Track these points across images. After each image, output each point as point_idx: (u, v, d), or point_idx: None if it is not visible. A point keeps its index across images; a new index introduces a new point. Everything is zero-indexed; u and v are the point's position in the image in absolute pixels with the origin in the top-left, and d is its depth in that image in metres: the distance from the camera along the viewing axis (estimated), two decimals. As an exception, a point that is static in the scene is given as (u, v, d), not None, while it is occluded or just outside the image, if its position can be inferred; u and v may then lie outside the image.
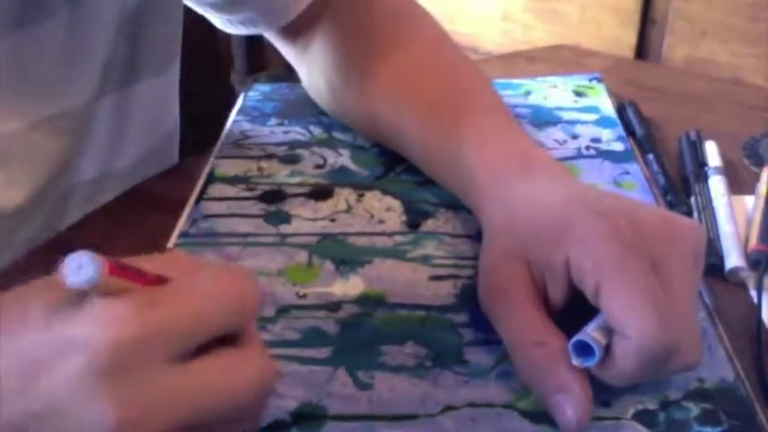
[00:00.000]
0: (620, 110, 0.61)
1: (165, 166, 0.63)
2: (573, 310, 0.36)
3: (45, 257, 0.41)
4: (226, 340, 0.29)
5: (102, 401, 0.26)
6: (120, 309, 0.26)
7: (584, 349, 0.33)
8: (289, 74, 0.65)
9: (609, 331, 0.33)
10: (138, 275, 0.28)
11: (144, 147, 0.61)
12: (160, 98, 0.61)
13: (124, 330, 0.26)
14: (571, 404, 0.33)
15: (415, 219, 0.48)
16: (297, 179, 0.52)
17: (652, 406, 0.35)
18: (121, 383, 0.26)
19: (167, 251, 0.35)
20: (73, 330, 0.26)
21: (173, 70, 0.62)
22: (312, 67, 0.58)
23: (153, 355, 0.27)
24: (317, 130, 0.58)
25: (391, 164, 0.53)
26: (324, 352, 0.38)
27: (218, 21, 0.60)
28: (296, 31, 0.57)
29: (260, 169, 0.53)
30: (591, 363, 0.33)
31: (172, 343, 0.27)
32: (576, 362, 0.34)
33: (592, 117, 0.59)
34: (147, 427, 0.26)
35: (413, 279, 0.43)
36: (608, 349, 0.33)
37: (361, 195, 0.50)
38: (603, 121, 0.58)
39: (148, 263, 0.29)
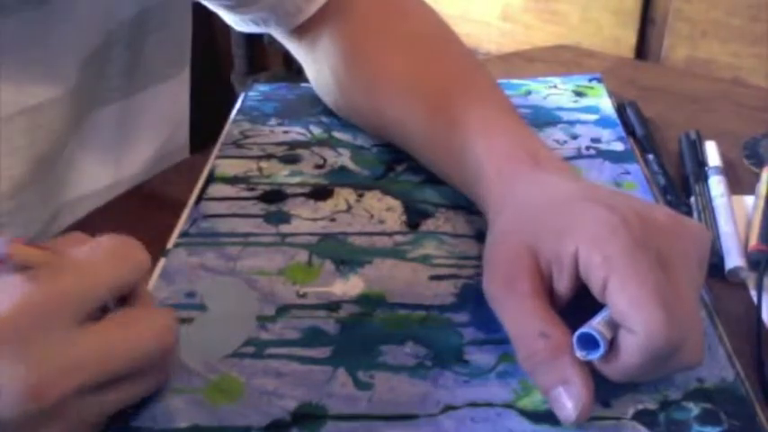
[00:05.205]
0: (620, 110, 0.61)
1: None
2: (575, 307, 0.36)
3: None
4: (123, 303, 0.33)
5: (10, 366, 0.28)
6: (21, 280, 0.30)
7: (588, 342, 0.33)
8: (289, 74, 0.65)
9: (614, 326, 0.33)
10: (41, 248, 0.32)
11: (155, 153, 0.61)
12: (169, 104, 0.61)
13: (25, 299, 0.29)
14: (571, 396, 0.33)
15: (415, 219, 0.48)
16: (297, 179, 0.52)
17: (652, 406, 0.35)
18: (28, 349, 0.29)
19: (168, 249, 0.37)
20: None
21: (181, 76, 0.62)
22: (320, 63, 0.58)
23: (54, 321, 0.30)
24: (317, 130, 0.58)
25: (391, 164, 0.53)
26: (324, 352, 0.38)
27: (230, 19, 0.60)
28: (304, 28, 0.57)
29: (260, 169, 0.53)
30: (595, 356, 0.33)
31: (71, 308, 0.31)
32: (579, 354, 0.34)
33: (592, 117, 0.59)
34: (56, 388, 0.29)
35: (413, 279, 0.43)
36: (612, 344, 0.33)
37: (361, 195, 0.50)
38: (603, 122, 0.58)
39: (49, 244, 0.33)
